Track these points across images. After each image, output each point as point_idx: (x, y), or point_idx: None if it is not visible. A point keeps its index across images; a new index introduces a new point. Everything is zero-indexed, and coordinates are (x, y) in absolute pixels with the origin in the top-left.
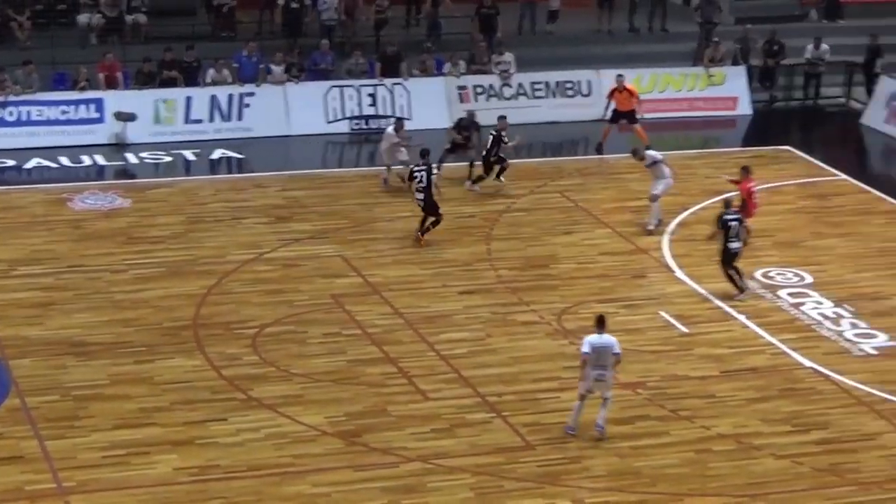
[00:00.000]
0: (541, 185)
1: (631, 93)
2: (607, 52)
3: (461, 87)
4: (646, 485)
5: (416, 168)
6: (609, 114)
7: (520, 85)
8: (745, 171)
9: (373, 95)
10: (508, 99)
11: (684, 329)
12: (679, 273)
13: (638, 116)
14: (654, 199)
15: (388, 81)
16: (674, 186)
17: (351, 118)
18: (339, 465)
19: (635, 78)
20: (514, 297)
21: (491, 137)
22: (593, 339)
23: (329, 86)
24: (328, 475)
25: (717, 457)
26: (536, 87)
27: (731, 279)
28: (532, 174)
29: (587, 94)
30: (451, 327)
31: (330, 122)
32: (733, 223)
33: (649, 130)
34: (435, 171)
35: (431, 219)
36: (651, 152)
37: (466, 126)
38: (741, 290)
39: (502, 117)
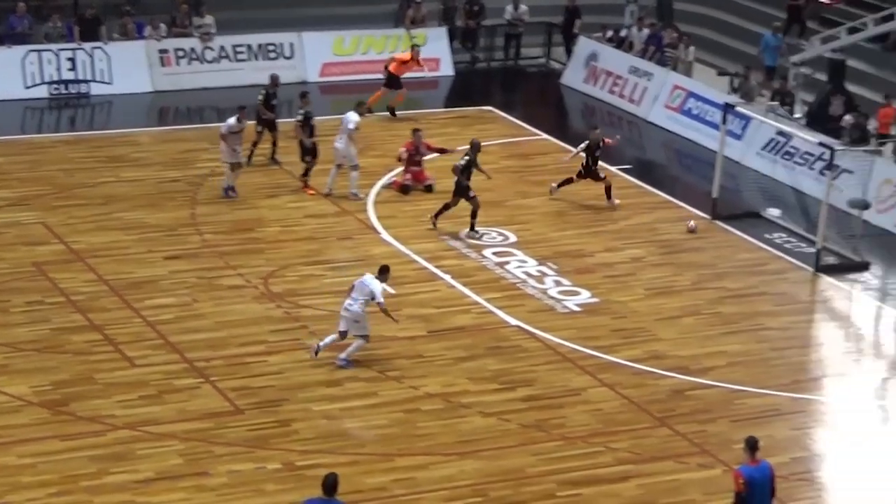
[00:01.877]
0: (245, 149)
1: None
2: (310, 14)
3: (163, 51)
4: (356, 446)
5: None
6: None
7: (222, 48)
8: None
9: (72, 60)
10: (210, 62)
11: (391, 290)
12: (385, 234)
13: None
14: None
15: (88, 45)
16: (377, 149)
17: (50, 83)
18: (45, 435)
19: (337, 39)
20: (221, 262)
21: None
22: (366, 276)
23: (26, 50)
24: (34, 445)
25: (426, 416)
26: (238, 50)
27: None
28: None
29: (290, 57)
30: (157, 293)
31: (28, 87)
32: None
33: (352, 92)
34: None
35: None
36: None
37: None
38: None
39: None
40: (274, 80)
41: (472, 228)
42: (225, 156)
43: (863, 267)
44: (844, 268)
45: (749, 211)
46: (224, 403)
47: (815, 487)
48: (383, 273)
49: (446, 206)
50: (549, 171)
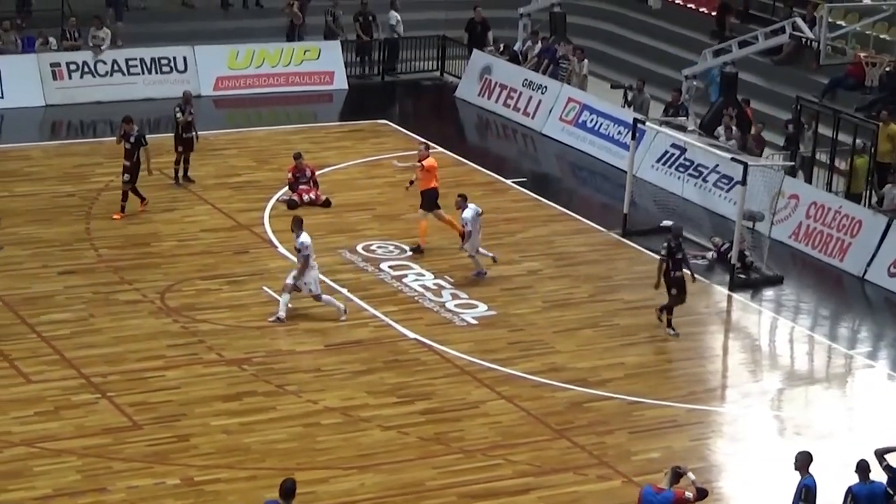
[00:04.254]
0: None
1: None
2: (202, 28)
3: (55, 65)
4: (255, 460)
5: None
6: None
7: (114, 62)
8: (297, 156)
9: None
10: (103, 76)
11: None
12: (281, 248)
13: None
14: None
15: None
16: (272, 163)
17: None
18: None
19: (230, 52)
20: (116, 277)
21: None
22: None
23: None
24: None
25: (325, 430)
26: (132, 63)
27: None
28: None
29: (183, 71)
30: (53, 308)
31: None
32: None
33: (246, 106)
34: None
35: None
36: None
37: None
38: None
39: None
40: (186, 96)
41: (668, 325)
42: None
43: (777, 280)
44: (760, 283)
45: (658, 226)
46: (122, 419)
47: (714, 498)
48: None
49: (669, 308)
50: (444, 184)
